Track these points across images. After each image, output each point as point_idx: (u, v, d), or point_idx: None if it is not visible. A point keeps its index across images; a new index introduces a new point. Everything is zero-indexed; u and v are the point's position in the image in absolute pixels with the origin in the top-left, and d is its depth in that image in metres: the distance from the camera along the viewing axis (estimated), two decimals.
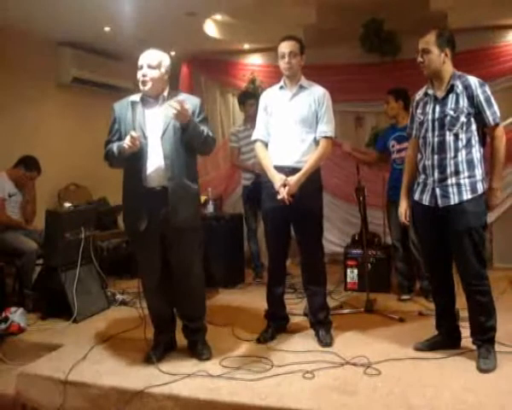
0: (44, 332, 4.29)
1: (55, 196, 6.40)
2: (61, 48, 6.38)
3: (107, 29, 5.90)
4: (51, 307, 4.63)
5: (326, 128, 3.84)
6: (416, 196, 3.60)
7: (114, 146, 3.54)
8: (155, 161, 3.46)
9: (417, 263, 5.00)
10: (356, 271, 5.41)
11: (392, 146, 5.11)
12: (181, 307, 3.74)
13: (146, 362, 3.57)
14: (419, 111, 3.58)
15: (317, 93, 3.88)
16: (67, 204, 4.98)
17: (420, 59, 3.45)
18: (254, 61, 7.26)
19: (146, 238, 3.51)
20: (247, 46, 7.05)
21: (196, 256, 3.66)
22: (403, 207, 3.76)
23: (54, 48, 6.35)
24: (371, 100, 6.61)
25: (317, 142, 3.85)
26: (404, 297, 5.03)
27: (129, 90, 7.16)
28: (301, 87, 3.90)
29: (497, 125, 3.39)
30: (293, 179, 3.70)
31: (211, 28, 6.30)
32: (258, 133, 3.96)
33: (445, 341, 3.67)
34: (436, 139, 3.44)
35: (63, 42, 6.33)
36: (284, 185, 3.69)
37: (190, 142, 3.49)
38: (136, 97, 3.58)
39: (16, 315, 4.30)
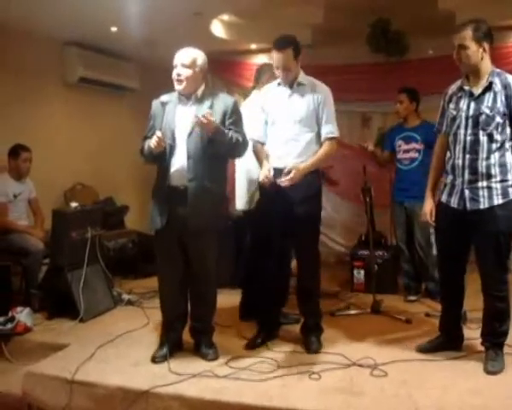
0: (51, 332, 4.30)
1: (61, 195, 6.41)
2: (67, 47, 6.39)
3: (113, 29, 5.91)
4: (57, 306, 4.63)
5: (331, 128, 3.74)
6: (443, 198, 3.47)
7: (146, 143, 3.58)
8: (180, 161, 3.48)
9: (423, 264, 4.99)
10: (362, 272, 5.38)
11: (399, 146, 5.09)
12: (192, 307, 3.75)
13: (152, 362, 3.58)
14: (451, 106, 3.41)
15: (317, 91, 3.76)
16: (74, 204, 4.98)
17: (456, 55, 3.28)
18: (261, 61, 7.24)
19: (165, 236, 3.55)
20: (253, 46, 7.04)
21: (212, 258, 3.66)
22: (428, 207, 3.58)
23: (60, 47, 6.36)
24: (378, 100, 6.60)
25: (317, 141, 3.75)
26: (411, 298, 5.01)
27: (135, 91, 7.24)
28: (299, 84, 3.77)
29: None
30: (298, 167, 3.57)
31: (218, 28, 6.30)
32: (255, 134, 3.84)
33: (447, 342, 3.64)
34: (468, 138, 3.29)
35: (70, 41, 6.33)
36: (287, 173, 3.54)
37: (217, 150, 3.48)
38: (169, 96, 3.60)
39: (22, 315, 4.30)
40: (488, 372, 3.27)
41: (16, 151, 5.22)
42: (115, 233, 6.40)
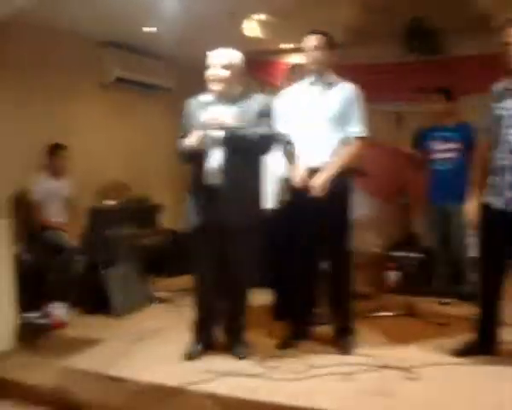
0: (86, 327, 4.37)
1: (97, 193, 6.49)
2: (104, 48, 6.47)
3: (149, 29, 5.96)
4: (93, 302, 4.70)
5: (358, 128, 3.70)
6: (487, 199, 3.41)
7: (184, 142, 3.60)
8: (216, 160, 3.50)
9: (459, 267, 4.91)
10: (396, 273, 5.33)
11: (436, 146, 5.02)
12: (226, 305, 3.77)
13: (185, 359, 3.60)
14: (497, 105, 3.33)
15: (348, 90, 3.74)
16: (109, 201, 5.04)
17: (502, 52, 3.21)
18: (295, 61, 7.23)
19: (202, 234, 3.58)
20: (286, 46, 7.03)
21: (250, 257, 3.68)
22: (471, 206, 3.53)
23: (97, 47, 6.44)
24: (412, 100, 6.52)
25: (346, 141, 3.70)
26: (445, 301, 4.94)
27: (170, 90, 7.29)
28: (331, 84, 3.76)
29: None
30: (318, 180, 3.56)
31: (251, 28, 6.30)
32: (285, 132, 3.77)
33: (483, 346, 3.58)
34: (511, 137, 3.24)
35: (106, 42, 6.42)
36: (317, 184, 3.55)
37: (237, 146, 3.49)
38: (207, 96, 3.61)
39: (58, 310, 4.38)
40: None
41: (54, 149, 5.33)
42: (150, 231, 6.46)
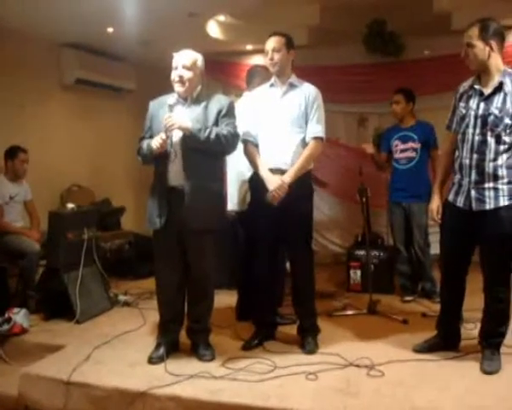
0: (47, 333, 4.29)
1: (57, 197, 6.40)
2: (64, 49, 6.39)
3: (109, 30, 5.90)
4: (54, 307, 4.62)
5: (316, 128, 3.71)
6: (450, 197, 3.46)
7: (145, 143, 3.59)
8: (177, 161, 3.49)
9: (421, 264, 4.99)
10: (359, 272, 5.39)
11: (396, 145, 5.08)
12: (190, 307, 3.75)
13: (149, 363, 3.57)
14: (462, 104, 3.38)
15: (307, 91, 3.75)
16: (70, 205, 4.98)
17: (463, 54, 3.28)
18: (257, 62, 7.25)
19: (164, 236, 3.56)
20: (249, 47, 7.04)
21: (211, 259, 3.67)
22: (435, 204, 3.56)
23: (57, 49, 6.36)
24: (374, 101, 6.60)
25: (306, 143, 3.72)
26: (407, 299, 5.01)
27: (132, 91, 7.24)
28: (291, 85, 3.78)
29: None
30: (284, 181, 3.59)
31: (213, 29, 6.30)
32: (247, 134, 3.80)
33: (444, 342, 3.64)
34: (476, 138, 3.27)
35: (66, 43, 6.34)
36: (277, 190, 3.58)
37: (193, 147, 3.47)
38: (172, 98, 3.57)
39: (19, 316, 4.30)
40: (485, 372, 3.27)
41: (13, 152, 5.22)
42: (112, 234, 6.41)
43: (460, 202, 3.37)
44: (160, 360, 3.56)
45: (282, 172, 3.66)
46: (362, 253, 5.34)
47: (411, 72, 6.29)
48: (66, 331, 4.30)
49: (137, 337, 4.11)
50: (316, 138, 3.72)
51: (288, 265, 4.06)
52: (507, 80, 3.23)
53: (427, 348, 3.64)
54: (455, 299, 3.59)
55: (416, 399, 2.98)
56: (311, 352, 3.70)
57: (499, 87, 3.23)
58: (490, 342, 3.39)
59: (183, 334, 3.80)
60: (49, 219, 4.74)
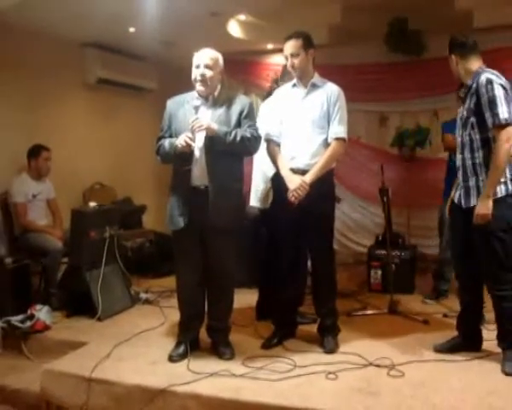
0: (69, 330, 4.34)
1: (80, 195, 6.46)
2: (86, 48, 6.45)
3: (131, 30, 5.94)
4: (76, 305, 4.67)
5: (338, 129, 3.70)
6: (452, 194, 3.62)
7: (166, 142, 3.59)
8: (200, 161, 3.50)
9: (441, 264, 4.92)
10: (380, 272, 5.36)
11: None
12: (210, 306, 3.76)
13: (169, 361, 3.59)
14: (458, 109, 3.57)
15: (329, 91, 3.74)
16: (92, 203, 5.03)
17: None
18: (278, 61, 7.24)
19: (185, 236, 3.57)
20: (270, 46, 7.04)
21: (231, 258, 3.68)
22: (448, 204, 3.75)
23: (79, 49, 6.42)
24: (395, 100, 6.57)
25: (328, 143, 3.71)
26: (429, 299, 4.96)
27: (153, 91, 7.28)
28: (314, 85, 3.77)
29: (499, 126, 3.17)
30: (305, 181, 3.60)
31: (234, 28, 6.31)
32: (270, 133, 3.80)
33: (465, 343, 3.62)
34: (459, 139, 3.48)
35: (88, 43, 6.40)
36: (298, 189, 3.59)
37: (218, 148, 3.48)
38: (192, 97, 3.60)
39: (42, 313, 4.35)
40: (506, 373, 3.24)
41: (36, 151, 5.28)
42: (133, 233, 6.46)
43: (456, 198, 3.53)
44: (181, 358, 3.58)
45: (303, 172, 3.66)
46: (383, 252, 5.32)
47: (433, 71, 6.22)
48: (88, 329, 4.34)
49: (158, 335, 4.13)
50: (338, 139, 3.71)
51: (309, 264, 4.06)
52: (474, 81, 3.34)
53: (448, 348, 3.62)
54: (471, 297, 3.58)
55: (437, 400, 2.95)
56: (331, 351, 3.70)
57: (469, 89, 3.38)
58: (508, 343, 3.34)
59: (202, 332, 3.82)
60: (71, 217, 4.79)
